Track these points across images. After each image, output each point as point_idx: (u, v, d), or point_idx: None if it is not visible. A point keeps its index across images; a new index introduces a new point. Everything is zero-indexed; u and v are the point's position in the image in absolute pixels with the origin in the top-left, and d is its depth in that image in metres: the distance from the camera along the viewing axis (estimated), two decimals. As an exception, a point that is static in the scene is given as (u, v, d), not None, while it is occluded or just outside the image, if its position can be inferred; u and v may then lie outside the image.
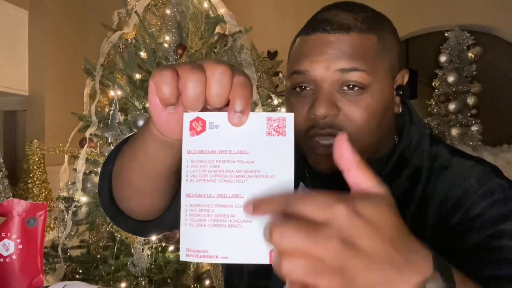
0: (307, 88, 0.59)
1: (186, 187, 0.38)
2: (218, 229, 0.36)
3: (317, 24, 0.59)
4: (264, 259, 0.35)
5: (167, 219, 0.62)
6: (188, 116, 0.38)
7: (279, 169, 0.36)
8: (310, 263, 0.30)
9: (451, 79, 5.50)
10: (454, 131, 5.47)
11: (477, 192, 0.58)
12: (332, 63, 0.56)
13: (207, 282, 1.83)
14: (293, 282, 0.31)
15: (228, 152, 0.37)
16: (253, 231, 0.35)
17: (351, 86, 0.56)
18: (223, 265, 0.78)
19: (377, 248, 0.31)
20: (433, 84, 5.85)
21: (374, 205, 0.32)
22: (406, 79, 0.63)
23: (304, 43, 0.60)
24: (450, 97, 5.56)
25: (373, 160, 0.61)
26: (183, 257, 0.37)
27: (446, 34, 5.57)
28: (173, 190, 0.58)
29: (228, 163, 0.37)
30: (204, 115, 0.38)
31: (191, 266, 1.81)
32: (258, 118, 0.37)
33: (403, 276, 0.32)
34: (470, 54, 5.50)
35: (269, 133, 0.37)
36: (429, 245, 0.50)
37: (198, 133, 0.38)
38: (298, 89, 0.60)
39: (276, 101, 2.08)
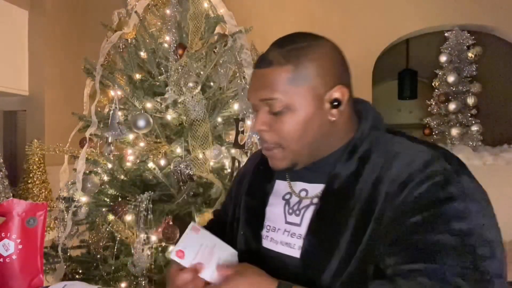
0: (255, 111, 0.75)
1: None
2: None
3: (257, 60, 0.73)
4: None
5: None
6: None
7: None
8: None
9: (451, 79, 5.50)
10: (454, 131, 5.47)
11: (420, 174, 0.62)
12: (256, 94, 0.71)
13: (207, 282, 1.83)
14: None
15: None
16: None
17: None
18: None
19: None
20: (433, 84, 5.85)
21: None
22: (344, 93, 0.70)
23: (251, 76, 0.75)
24: (450, 97, 5.56)
25: (330, 154, 0.73)
26: None
27: (446, 34, 5.57)
28: None
29: None
30: None
31: (191, 266, 1.80)
32: None
33: None
34: (470, 54, 5.50)
35: None
36: (379, 222, 0.62)
37: None
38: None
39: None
